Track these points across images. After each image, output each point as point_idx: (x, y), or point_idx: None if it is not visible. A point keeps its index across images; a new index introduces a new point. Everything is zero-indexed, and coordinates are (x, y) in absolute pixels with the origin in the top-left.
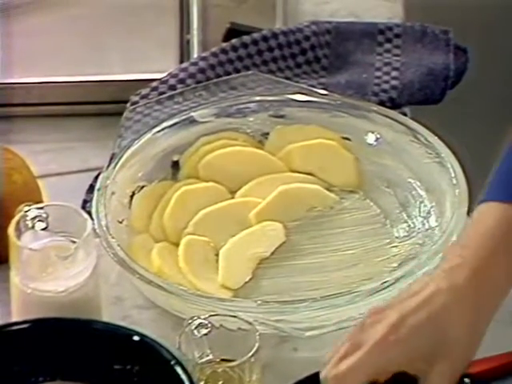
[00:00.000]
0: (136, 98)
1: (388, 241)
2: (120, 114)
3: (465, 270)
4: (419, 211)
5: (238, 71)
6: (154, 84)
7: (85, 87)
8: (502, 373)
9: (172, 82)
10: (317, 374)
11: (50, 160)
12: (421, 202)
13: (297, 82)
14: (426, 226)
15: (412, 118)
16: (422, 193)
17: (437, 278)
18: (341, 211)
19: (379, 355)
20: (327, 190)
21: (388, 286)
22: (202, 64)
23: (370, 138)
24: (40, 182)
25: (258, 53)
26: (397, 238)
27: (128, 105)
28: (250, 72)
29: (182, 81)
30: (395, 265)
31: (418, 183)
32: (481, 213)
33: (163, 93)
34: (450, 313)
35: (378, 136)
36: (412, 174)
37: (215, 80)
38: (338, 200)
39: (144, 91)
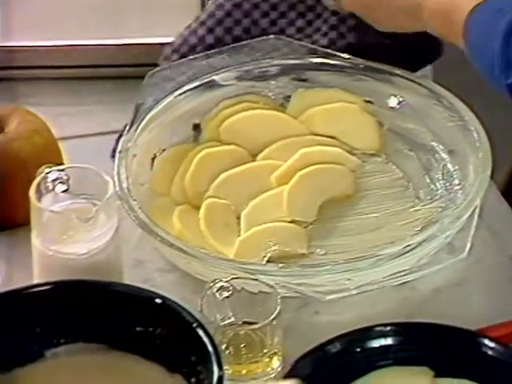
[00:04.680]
0: (168, 51)
1: (411, 204)
2: (140, 77)
3: None
4: (442, 174)
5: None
6: (176, 46)
7: (105, 50)
8: None
9: (193, 41)
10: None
11: (71, 123)
12: (444, 166)
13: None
14: (449, 190)
15: (435, 81)
16: (445, 156)
17: None
18: (363, 174)
19: None
20: (349, 153)
21: (410, 250)
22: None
23: (393, 102)
24: (60, 145)
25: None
26: (419, 201)
27: (160, 59)
28: (271, 36)
29: (201, 40)
30: (418, 228)
31: (441, 146)
32: None
33: (184, 54)
34: None
35: (401, 99)
36: (435, 137)
37: (237, 44)
38: (359, 163)
39: (166, 52)
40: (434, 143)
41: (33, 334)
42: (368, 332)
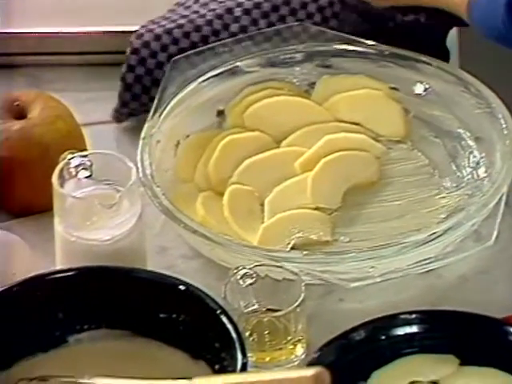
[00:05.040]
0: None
1: (436, 191)
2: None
3: None
4: (468, 162)
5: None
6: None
7: (129, 37)
8: None
9: (217, 26)
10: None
11: (94, 109)
12: (470, 153)
13: None
14: (475, 177)
15: (462, 68)
16: (472, 143)
17: None
18: (388, 161)
19: None
20: (374, 139)
21: (436, 238)
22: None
23: (419, 88)
24: (83, 131)
25: None
26: (445, 188)
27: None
28: (296, 23)
29: (225, 27)
30: (443, 216)
31: (468, 133)
32: None
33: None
34: None
35: (427, 86)
36: (461, 124)
37: (261, 30)
38: (384, 150)
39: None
40: (460, 130)
41: (56, 320)
42: (393, 319)
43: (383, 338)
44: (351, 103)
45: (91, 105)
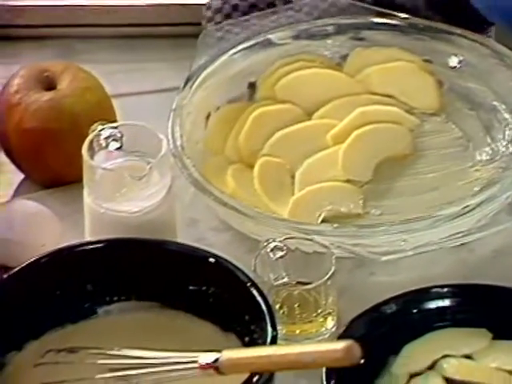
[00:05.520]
0: (209, 13)
1: (470, 164)
2: (196, 35)
3: None
4: (503, 134)
5: None
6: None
7: (161, 9)
8: None
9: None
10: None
11: (124, 80)
12: (505, 126)
13: None
14: (510, 150)
15: (497, 41)
16: (507, 116)
17: None
18: (421, 134)
19: None
20: (407, 112)
21: (469, 211)
22: None
23: (453, 61)
24: (114, 103)
25: None
26: (479, 161)
27: (203, 22)
28: None
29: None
30: (477, 189)
31: (503, 106)
32: None
33: (228, 14)
34: None
35: (461, 58)
36: (497, 96)
37: (292, 3)
38: (418, 123)
39: (207, 13)
40: (495, 103)
41: (85, 292)
42: (425, 293)
43: (415, 311)
44: (384, 76)
45: (121, 76)
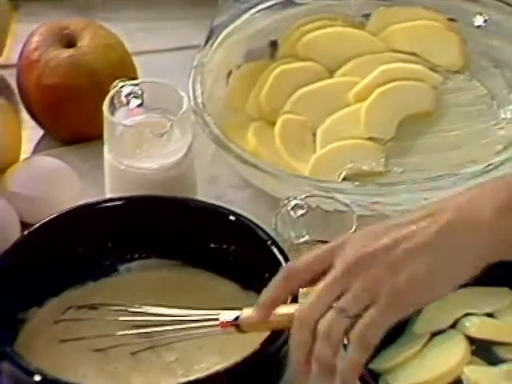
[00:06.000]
0: None
1: (494, 122)
2: None
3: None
4: None
5: None
6: None
7: None
8: None
9: None
10: None
11: (145, 38)
12: None
13: None
14: None
15: None
16: None
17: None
18: (445, 92)
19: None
20: (431, 70)
21: (492, 169)
22: None
23: (478, 20)
24: (134, 60)
25: None
26: (503, 119)
27: None
28: None
29: None
30: (500, 147)
31: None
32: None
33: None
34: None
35: (486, 17)
36: None
37: None
38: (441, 80)
39: None
40: None
41: (105, 249)
42: None
43: None
44: (407, 34)
45: (142, 34)
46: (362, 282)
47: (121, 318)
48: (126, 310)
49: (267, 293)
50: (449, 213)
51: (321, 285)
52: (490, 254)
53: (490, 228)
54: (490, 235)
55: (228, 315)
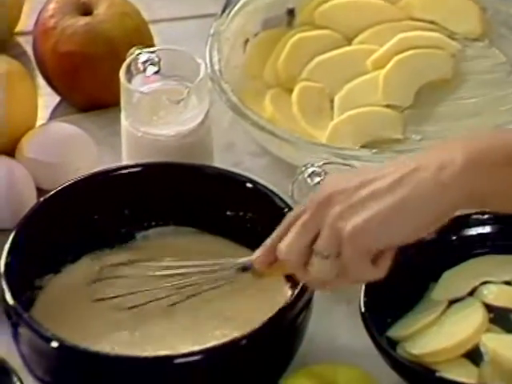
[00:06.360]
0: None
1: None
2: None
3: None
4: None
5: None
6: None
7: None
8: None
9: None
10: None
11: (162, 6)
12: None
13: None
14: None
15: None
16: None
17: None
18: (464, 59)
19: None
20: (449, 37)
21: None
22: None
23: None
24: (151, 28)
25: None
26: None
27: None
28: None
29: None
30: None
31: None
32: None
33: None
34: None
35: None
36: None
37: None
38: (460, 48)
39: None
40: None
41: (122, 217)
42: (465, 220)
43: (454, 238)
44: (426, 2)
45: (159, 2)
46: (329, 220)
47: (150, 274)
48: (152, 266)
49: (273, 235)
50: (419, 161)
51: (296, 225)
52: (461, 203)
53: (460, 176)
54: (460, 184)
55: (244, 259)
